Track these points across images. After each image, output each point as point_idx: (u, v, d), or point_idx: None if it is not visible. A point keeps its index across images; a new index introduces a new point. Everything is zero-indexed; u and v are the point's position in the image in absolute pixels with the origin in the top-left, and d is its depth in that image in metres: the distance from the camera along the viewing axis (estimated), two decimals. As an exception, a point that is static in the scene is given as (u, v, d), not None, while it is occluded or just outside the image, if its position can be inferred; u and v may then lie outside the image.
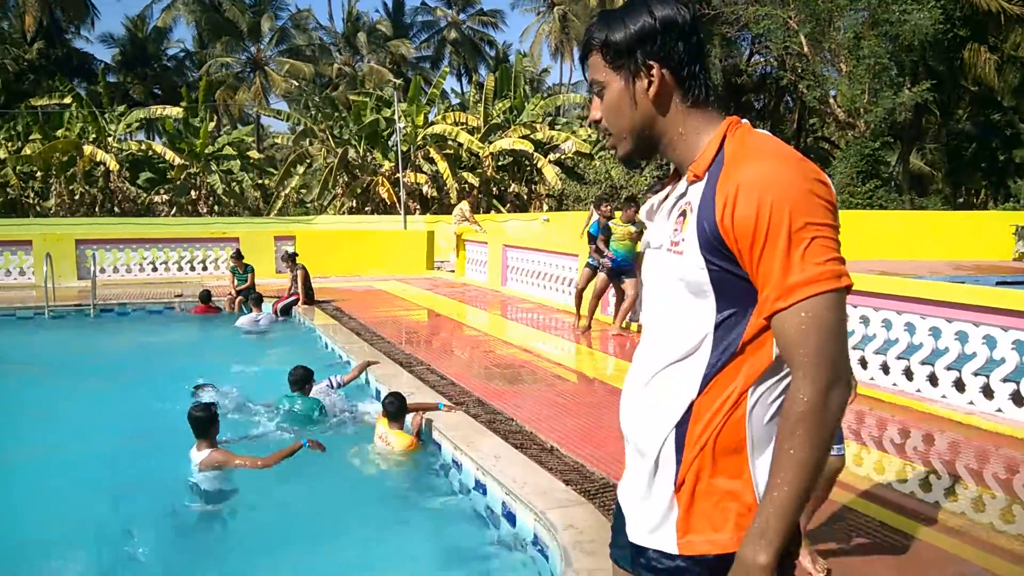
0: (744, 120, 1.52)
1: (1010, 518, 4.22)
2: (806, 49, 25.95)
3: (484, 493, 4.75)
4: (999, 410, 5.80)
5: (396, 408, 5.66)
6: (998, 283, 11.50)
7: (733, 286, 1.42)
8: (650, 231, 1.61)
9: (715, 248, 1.41)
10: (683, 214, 1.49)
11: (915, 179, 37.00)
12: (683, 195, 1.51)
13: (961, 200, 38.95)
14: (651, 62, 1.50)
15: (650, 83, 1.51)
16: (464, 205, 17.99)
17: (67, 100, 30.19)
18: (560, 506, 4.19)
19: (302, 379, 6.52)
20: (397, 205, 26.42)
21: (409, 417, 5.74)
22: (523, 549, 4.14)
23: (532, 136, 30.58)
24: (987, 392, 5.91)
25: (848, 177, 24.56)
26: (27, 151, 28.89)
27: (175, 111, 30.77)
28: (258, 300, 11.81)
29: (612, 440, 5.49)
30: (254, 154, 36.62)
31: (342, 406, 6.73)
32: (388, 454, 5.58)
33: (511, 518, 4.38)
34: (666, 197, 1.58)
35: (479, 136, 29.89)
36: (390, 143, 29.81)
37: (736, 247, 1.39)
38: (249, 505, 5.13)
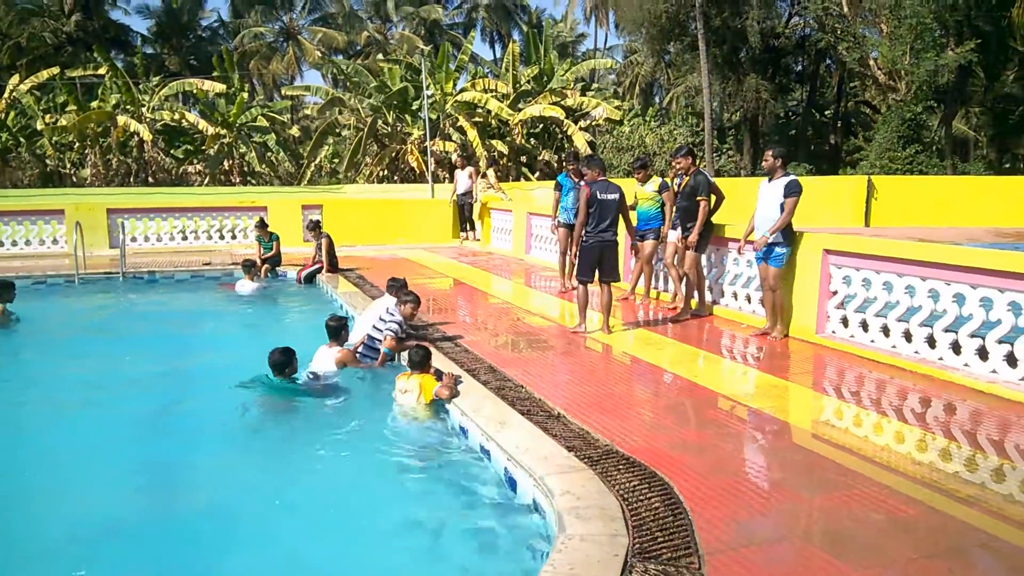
0: None
1: (1026, 489, 4.08)
2: (846, 9, 25.17)
3: (489, 458, 4.73)
4: (1023, 379, 5.60)
5: (421, 357, 5.87)
6: (1038, 249, 11.09)
7: None
8: None
9: None
10: None
11: (958, 144, 35.91)
12: None
13: (1007, 166, 37.70)
14: None
15: None
16: (489, 173, 17.88)
17: (102, 71, 30.46)
18: (560, 472, 4.15)
19: (281, 364, 6.11)
20: (426, 174, 26.36)
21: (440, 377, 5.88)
22: (525, 513, 4.11)
23: (562, 103, 30.16)
24: (1011, 360, 5.71)
25: (889, 142, 23.92)
26: (63, 122, 29.31)
27: (219, 87, 30.79)
28: (248, 267, 11.81)
29: (620, 408, 5.43)
30: (294, 131, 36.81)
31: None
32: (405, 412, 5.71)
33: (512, 483, 4.36)
34: None
35: (508, 103, 29.57)
36: (419, 113, 29.67)
37: None
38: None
